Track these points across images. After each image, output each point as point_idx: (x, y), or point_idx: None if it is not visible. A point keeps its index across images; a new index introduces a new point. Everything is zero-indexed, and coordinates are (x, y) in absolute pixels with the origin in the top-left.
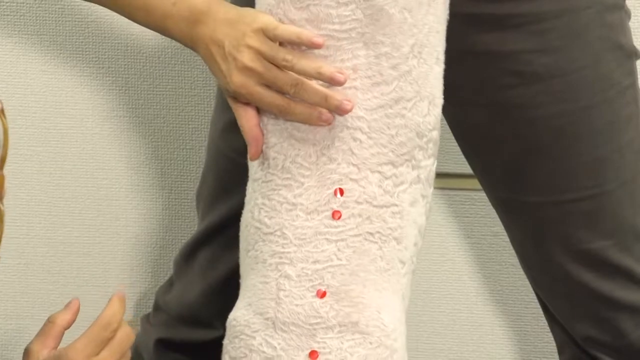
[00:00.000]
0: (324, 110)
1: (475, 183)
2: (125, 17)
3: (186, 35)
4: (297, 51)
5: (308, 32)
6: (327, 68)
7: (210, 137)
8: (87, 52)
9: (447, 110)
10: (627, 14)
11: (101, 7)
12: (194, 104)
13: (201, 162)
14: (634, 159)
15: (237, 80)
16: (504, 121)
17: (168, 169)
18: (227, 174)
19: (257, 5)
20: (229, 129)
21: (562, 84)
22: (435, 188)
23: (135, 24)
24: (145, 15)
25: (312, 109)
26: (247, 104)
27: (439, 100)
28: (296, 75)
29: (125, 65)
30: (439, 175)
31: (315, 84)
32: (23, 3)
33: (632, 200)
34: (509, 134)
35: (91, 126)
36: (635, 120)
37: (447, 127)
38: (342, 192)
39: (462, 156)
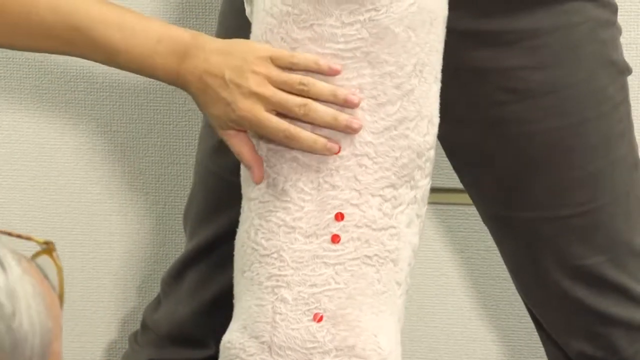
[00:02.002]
0: (330, 140)
1: (468, 198)
2: (104, 63)
3: (172, 71)
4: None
5: (325, 60)
6: (342, 90)
7: (199, 157)
8: (81, 67)
9: (440, 126)
10: (619, 30)
11: None
12: (187, 120)
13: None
14: (627, 174)
15: (244, 105)
16: (497, 137)
17: (161, 185)
18: (217, 194)
19: (256, 26)
20: (220, 149)
21: (556, 100)
22: (428, 203)
23: None
24: (128, 57)
25: (318, 137)
26: (239, 132)
27: (436, 119)
28: (304, 97)
29: (118, 80)
30: (432, 189)
31: (322, 105)
32: None
33: (626, 216)
34: (502, 150)
35: (84, 141)
36: (628, 136)
37: (439, 142)
38: (342, 216)
39: (455, 171)
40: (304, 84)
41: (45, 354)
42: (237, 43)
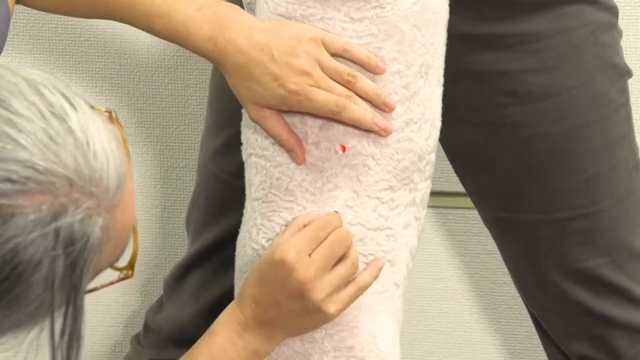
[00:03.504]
0: (378, 116)
1: (468, 201)
2: (141, 28)
3: (210, 39)
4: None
5: (376, 57)
6: (383, 92)
7: (201, 160)
8: (80, 72)
9: (441, 129)
10: (619, 34)
11: (94, 27)
12: (187, 123)
13: (194, 181)
14: (628, 176)
15: (294, 79)
16: (498, 140)
17: (161, 188)
18: (219, 197)
19: (261, 17)
20: (222, 152)
21: (556, 103)
22: (428, 206)
23: (129, 43)
24: (165, 22)
25: (366, 110)
26: (274, 113)
27: (439, 123)
28: (348, 88)
29: (119, 84)
30: (433, 193)
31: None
32: (16, 23)
33: (626, 218)
34: (503, 153)
35: None
36: (628, 139)
37: (440, 146)
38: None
39: (456, 174)
40: (352, 76)
41: (120, 185)
42: (286, 24)
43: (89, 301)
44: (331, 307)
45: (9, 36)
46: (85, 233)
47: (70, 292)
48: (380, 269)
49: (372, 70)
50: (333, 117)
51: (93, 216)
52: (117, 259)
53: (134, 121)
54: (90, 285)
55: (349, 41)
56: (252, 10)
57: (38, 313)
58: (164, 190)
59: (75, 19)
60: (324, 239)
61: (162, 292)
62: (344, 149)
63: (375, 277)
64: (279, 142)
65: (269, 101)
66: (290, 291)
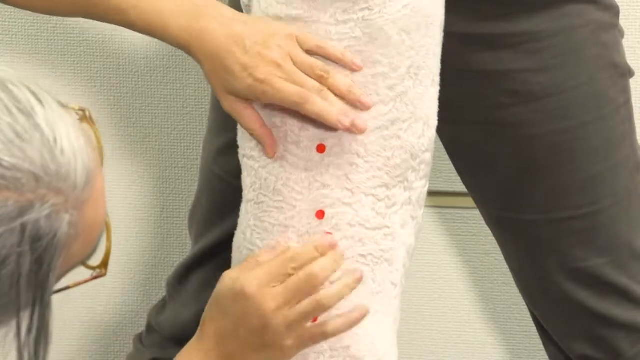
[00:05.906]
0: (347, 111)
1: (467, 201)
2: (116, 22)
3: (186, 29)
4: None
5: (350, 54)
6: (358, 90)
7: (204, 160)
8: (79, 71)
9: (442, 128)
10: (621, 33)
11: (92, 26)
12: (187, 123)
13: (193, 181)
14: (629, 176)
15: (264, 69)
16: (499, 139)
17: (160, 188)
18: (222, 197)
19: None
20: (224, 152)
21: (557, 102)
22: (427, 206)
23: (127, 43)
24: (140, 13)
25: (340, 105)
26: (247, 105)
27: (433, 122)
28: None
29: (117, 84)
30: (431, 193)
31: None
32: (15, 23)
33: (627, 218)
34: (504, 152)
35: None
36: (629, 138)
37: (440, 145)
38: (323, 214)
39: (454, 174)
40: (325, 72)
41: (88, 181)
42: (263, 19)
43: (88, 302)
44: (287, 341)
45: (7, 36)
46: (52, 229)
47: (37, 289)
48: (349, 324)
49: (347, 67)
50: (297, 110)
51: (60, 212)
52: (88, 257)
53: (132, 121)
54: (63, 284)
55: (323, 39)
56: (249, 12)
57: (5, 312)
58: (163, 190)
59: (74, 19)
60: (292, 274)
61: (163, 291)
62: (322, 148)
63: (342, 331)
64: (253, 136)
65: (239, 91)
66: (251, 323)
